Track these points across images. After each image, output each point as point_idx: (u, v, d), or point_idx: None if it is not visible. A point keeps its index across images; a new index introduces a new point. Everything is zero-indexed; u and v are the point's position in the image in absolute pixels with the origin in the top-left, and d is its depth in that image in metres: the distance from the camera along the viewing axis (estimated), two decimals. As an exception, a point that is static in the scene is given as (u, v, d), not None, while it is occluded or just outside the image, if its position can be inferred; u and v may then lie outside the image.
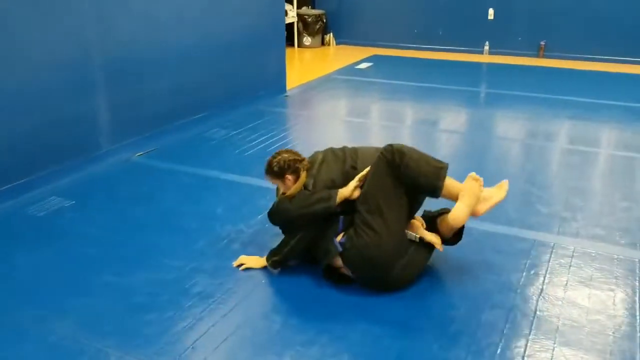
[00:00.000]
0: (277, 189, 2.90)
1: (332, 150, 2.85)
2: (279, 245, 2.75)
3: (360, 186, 2.60)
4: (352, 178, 2.64)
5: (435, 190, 2.51)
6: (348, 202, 2.62)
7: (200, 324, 2.39)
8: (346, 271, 2.62)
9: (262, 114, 5.48)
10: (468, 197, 2.52)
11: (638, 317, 2.42)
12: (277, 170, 2.72)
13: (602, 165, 4.32)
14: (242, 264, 2.83)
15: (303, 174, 2.72)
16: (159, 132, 4.69)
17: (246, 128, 5.04)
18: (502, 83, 6.97)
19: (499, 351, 2.22)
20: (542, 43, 8.35)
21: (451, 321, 2.40)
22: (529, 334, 2.32)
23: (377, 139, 5.00)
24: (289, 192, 2.71)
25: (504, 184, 2.67)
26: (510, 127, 5.28)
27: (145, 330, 2.35)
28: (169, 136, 4.73)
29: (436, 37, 8.99)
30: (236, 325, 2.39)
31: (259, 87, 5.94)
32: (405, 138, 5.07)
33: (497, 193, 2.64)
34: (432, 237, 2.62)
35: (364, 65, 7.90)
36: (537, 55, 8.42)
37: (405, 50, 9.01)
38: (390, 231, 2.50)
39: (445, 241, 2.70)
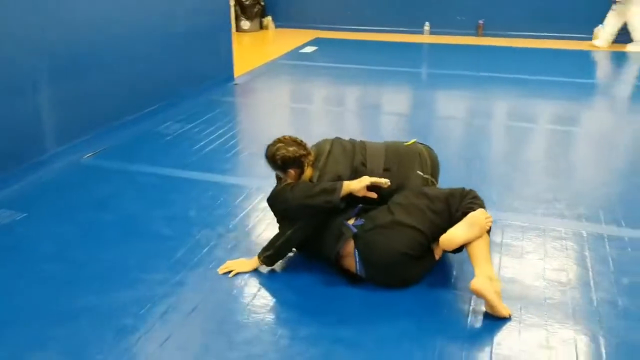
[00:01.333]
0: (278, 176, 2.75)
1: (340, 143, 2.71)
2: (273, 238, 2.57)
3: (371, 189, 2.46)
4: (361, 175, 2.50)
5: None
6: (352, 197, 2.48)
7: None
8: (354, 262, 2.45)
9: (214, 105, 5.19)
10: (471, 224, 2.34)
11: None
12: (280, 165, 2.57)
13: (563, 141, 4.38)
14: (230, 271, 2.62)
15: (308, 169, 2.58)
16: (108, 129, 4.33)
17: (201, 121, 4.75)
18: (444, 63, 6.99)
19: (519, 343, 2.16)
20: (481, 22, 8.46)
21: (465, 317, 2.32)
22: (545, 324, 2.27)
23: (331, 124, 4.86)
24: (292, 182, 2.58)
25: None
26: (457, 107, 5.27)
27: (139, 357, 2.11)
28: (119, 133, 4.38)
29: (378, 18, 8.92)
30: (239, 344, 2.19)
31: (208, 76, 5.63)
32: (354, 123, 4.96)
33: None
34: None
35: (308, 49, 7.71)
36: (476, 34, 8.53)
37: (347, 32, 8.88)
38: (421, 223, 2.38)
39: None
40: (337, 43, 8.29)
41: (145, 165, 3.88)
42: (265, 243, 2.62)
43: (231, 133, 4.47)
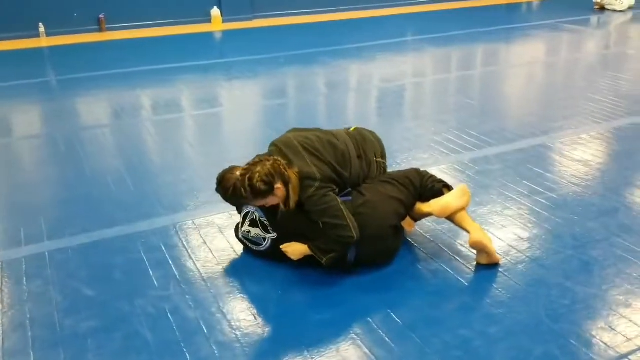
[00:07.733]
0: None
1: (305, 136, 2.51)
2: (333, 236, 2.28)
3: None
4: (346, 164, 2.49)
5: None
6: None
7: None
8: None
9: None
10: (463, 194, 2.51)
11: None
12: (264, 189, 2.26)
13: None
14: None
15: (291, 174, 2.31)
16: None
17: None
18: (71, 66, 6.46)
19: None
20: (102, 16, 7.90)
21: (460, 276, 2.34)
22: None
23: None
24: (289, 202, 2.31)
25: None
26: (98, 111, 5.07)
27: None
28: None
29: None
30: None
31: None
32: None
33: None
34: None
35: None
36: (99, 30, 7.94)
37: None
38: (398, 194, 2.48)
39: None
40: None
41: None
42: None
43: None
